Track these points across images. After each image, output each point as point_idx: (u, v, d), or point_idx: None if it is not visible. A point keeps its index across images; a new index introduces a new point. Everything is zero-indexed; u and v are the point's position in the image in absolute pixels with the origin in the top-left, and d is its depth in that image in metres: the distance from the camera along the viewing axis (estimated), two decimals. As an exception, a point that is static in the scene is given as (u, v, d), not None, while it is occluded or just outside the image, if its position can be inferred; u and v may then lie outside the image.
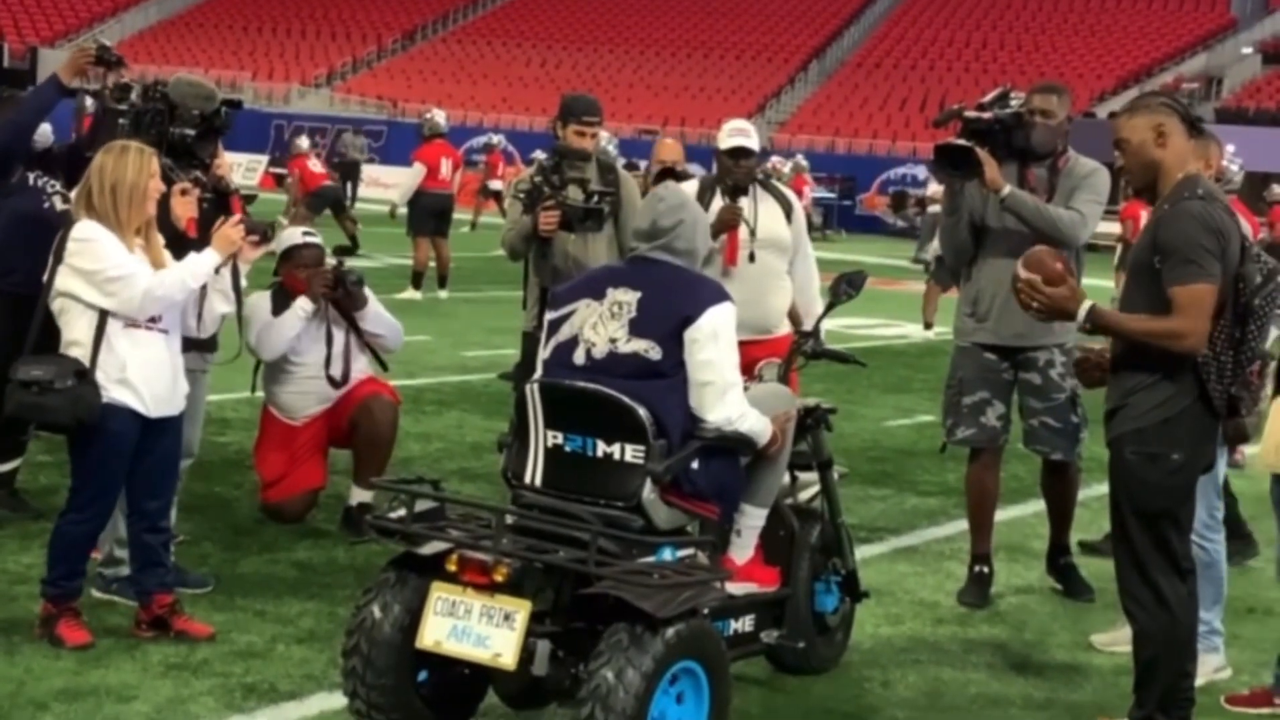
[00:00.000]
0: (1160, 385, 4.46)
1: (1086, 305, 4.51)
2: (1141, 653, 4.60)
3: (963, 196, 6.33)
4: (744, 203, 6.65)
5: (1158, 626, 4.52)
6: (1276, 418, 4.92)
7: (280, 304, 6.72)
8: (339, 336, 6.83)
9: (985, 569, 6.50)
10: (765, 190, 6.77)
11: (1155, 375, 4.46)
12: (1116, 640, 5.57)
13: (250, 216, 5.43)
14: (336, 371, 6.80)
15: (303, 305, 6.70)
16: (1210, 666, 5.46)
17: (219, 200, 5.61)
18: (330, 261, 6.88)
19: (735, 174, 6.64)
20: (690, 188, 6.68)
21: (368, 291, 6.93)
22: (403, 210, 16.80)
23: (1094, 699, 5.26)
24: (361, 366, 6.93)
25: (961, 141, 6.18)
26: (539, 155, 7.66)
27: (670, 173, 7.84)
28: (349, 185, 30.52)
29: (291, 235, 6.95)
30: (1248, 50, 44.62)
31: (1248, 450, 5.25)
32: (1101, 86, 42.13)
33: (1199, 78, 43.49)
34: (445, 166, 16.53)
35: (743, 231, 6.59)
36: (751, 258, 6.58)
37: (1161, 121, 4.54)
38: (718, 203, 6.63)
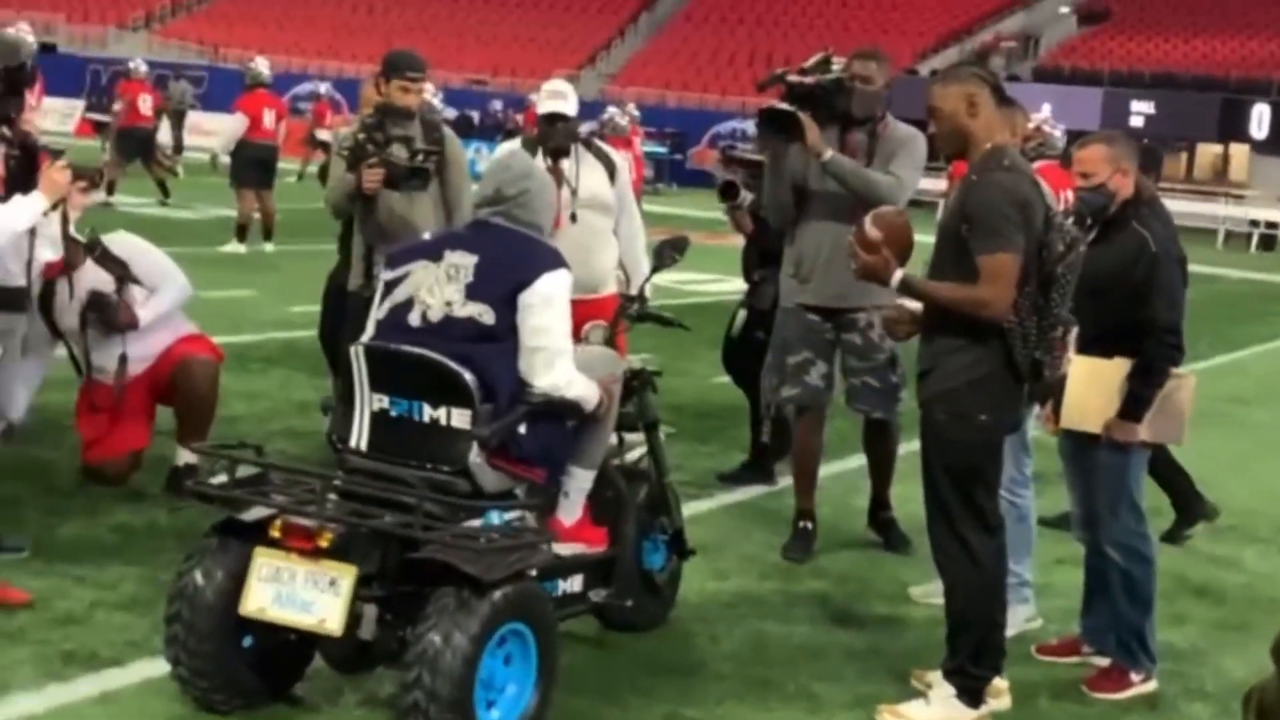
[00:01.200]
0: (968, 349, 4.61)
1: (898, 274, 4.68)
2: (953, 605, 4.76)
3: (785, 159, 6.43)
4: (566, 164, 6.66)
5: (967, 579, 4.68)
6: (1075, 378, 5.12)
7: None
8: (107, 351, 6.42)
9: (809, 524, 6.65)
10: (588, 150, 6.79)
11: (963, 339, 4.61)
12: (932, 592, 5.74)
13: (72, 162, 5.28)
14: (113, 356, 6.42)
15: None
16: (1021, 617, 5.67)
17: (26, 157, 5.44)
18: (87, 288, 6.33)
19: (554, 137, 6.65)
20: (511, 148, 6.69)
21: (139, 254, 6.48)
22: (225, 159, 16.45)
23: (911, 649, 5.43)
24: (176, 325, 6.68)
25: (784, 106, 6.26)
26: (364, 110, 7.53)
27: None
28: (176, 133, 29.71)
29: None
30: (1064, 10, 45.78)
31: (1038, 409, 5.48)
32: (923, 44, 42.88)
33: (1017, 36, 44.54)
34: (269, 117, 16.22)
35: (564, 192, 6.61)
36: (574, 218, 6.60)
37: (973, 92, 4.67)
38: (536, 163, 6.61)
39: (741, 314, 7.89)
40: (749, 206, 7.60)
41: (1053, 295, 4.59)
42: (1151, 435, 5.23)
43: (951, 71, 4.85)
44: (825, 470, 7.02)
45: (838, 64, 6.44)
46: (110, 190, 19.97)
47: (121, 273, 6.39)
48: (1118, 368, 5.13)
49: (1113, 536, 5.22)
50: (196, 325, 6.86)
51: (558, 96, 6.65)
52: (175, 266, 6.68)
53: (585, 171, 6.71)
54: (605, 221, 6.77)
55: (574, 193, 6.64)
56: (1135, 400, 5.12)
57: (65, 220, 5.27)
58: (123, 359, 6.38)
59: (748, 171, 7.69)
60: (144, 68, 22.37)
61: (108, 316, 6.35)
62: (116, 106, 21.76)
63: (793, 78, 6.37)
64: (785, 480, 7.36)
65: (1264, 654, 5.61)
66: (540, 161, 6.60)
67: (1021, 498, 5.69)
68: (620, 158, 7.04)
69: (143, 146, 20.72)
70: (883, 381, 6.51)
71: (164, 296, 6.54)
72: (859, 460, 7.34)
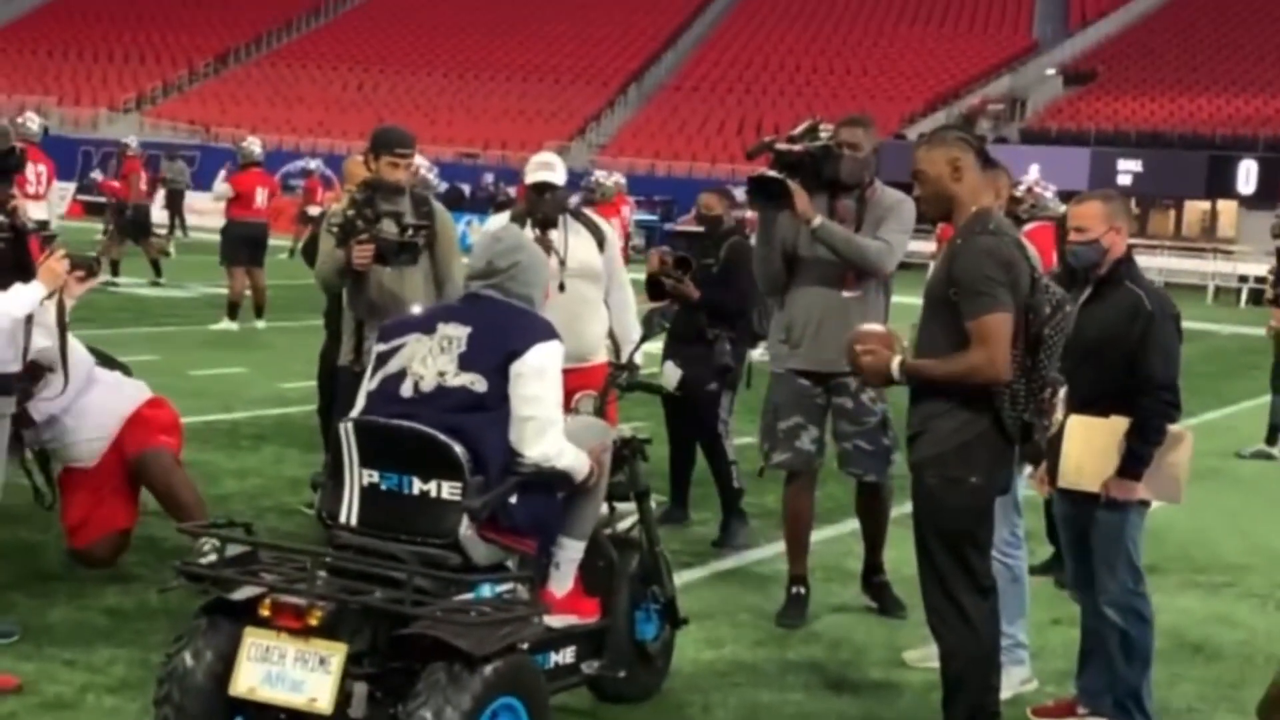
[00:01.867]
0: (956, 411, 4.62)
1: (896, 362, 4.71)
2: (948, 669, 4.74)
3: (775, 226, 6.47)
4: (554, 234, 6.70)
5: (962, 643, 4.66)
6: (1072, 438, 5.13)
7: None
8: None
9: (802, 589, 6.63)
10: (577, 220, 6.84)
11: (952, 402, 4.62)
12: (928, 656, 5.71)
13: (70, 252, 5.32)
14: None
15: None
16: (1016, 679, 5.65)
17: (15, 239, 5.48)
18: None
19: (542, 207, 6.69)
20: (501, 221, 6.74)
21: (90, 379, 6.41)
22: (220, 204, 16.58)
23: (907, 714, 5.41)
24: (119, 399, 6.50)
25: (773, 173, 6.31)
26: (349, 186, 7.59)
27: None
28: (174, 214, 29.81)
29: None
30: (1050, 72, 46.24)
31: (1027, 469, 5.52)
32: (911, 109, 43.24)
33: (1003, 99, 44.94)
34: (260, 195, 16.30)
35: (552, 262, 6.65)
36: (562, 287, 6.63)
37: (957, 156, 4.71)
38: (527, 235, 6.66)
39: (671, 368, 7.86)
40: (689, 275, 7.84)
41: (1040, 357, 4.61)
42: (1150, 493, 5.22)
43: (936, 135, 4.89)
44: (818, 535, 7.01)
45: (825, 131, 6.50)
46: (115, 270, 20.03)
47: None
48: (1115, 426, 5.14)
49: (1111, 597, 5.19)
50: (145, 389, 6.68)
51: (545, 167, 6.71)
52: (74, 344, 6.22)
53: (574, 241, 6.75)
54: (595, 291, 6.79)
55: (562, 262, 6.68)
56: (1134, 458, 5.12)
57: (61, 308, 5.30)
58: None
59: (688, 242, 7.91)
60: (135, 142, 22.58)
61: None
62: (114, 182, 21.65)
63: (781, 145, 6.42)
64: (776, 546, 7.35)
65: (1260, 712, 5.57)
66: (529, 232, 6.64)
67: (1014, 558, 5.68)
68: (609, 227, 7.08)
69: (143, 224, 20.77)
70: (874, 444, 6.51)
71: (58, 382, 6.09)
72: (851, 524, 7.33)
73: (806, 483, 6.66)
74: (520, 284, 4.67)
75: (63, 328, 5.36)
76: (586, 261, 6.75)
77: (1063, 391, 4.69)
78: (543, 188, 6.66)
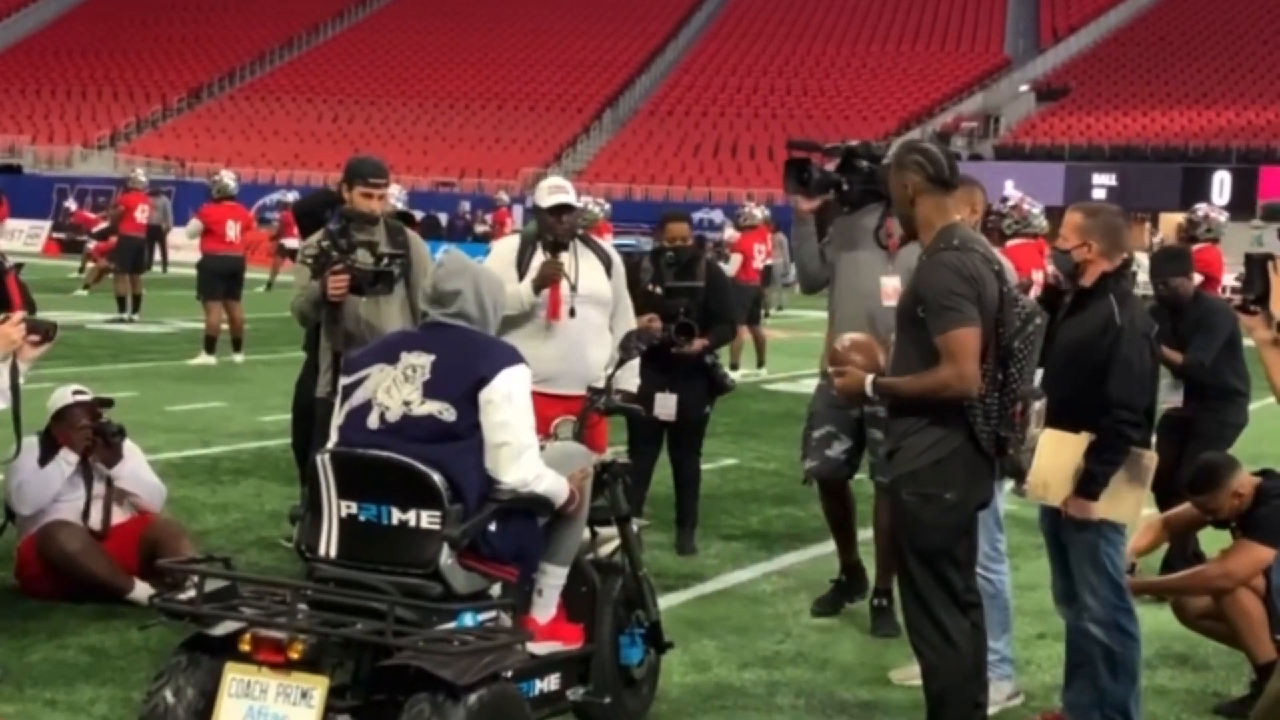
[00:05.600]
0: (931, 428, 4.61)
1: (869, 380, 4.72)
2: (932, 686, 4.72)
3: (808, 223, 6.55)
4: (565, 258, 6.69)
5: (944, 660, 4.64)
6: (1042, 451, 5.09)
7: (47, 453, 6.66)
8: (99, 484, 6.76)
9: (843, 578, 6.91)
10: (586, 246, 6.83)
11: (926, 418, 4.61)
12: (914, 675, 5.68)
13: (26, 317, 5.32)
14: (95, 520, 6.70)
15: (66, 458, 6.66)
16: (1003, 694, 5.63)
17: (-9, 279, 5.45)
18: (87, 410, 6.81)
19: (557, 230, 6.68)
20: (512, 243, 6.74)
21: (132, 449, 6.87)
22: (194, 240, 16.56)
23: (894, 734, 5.38)
24: (124, 514, 6.85)
25: (799, 154, 6.44)
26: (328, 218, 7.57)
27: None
28: (159, 251, 29.68)
29: (62, 395, 6.81)
30: (1023, 89, 46.49)
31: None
32: (885, 128, 43.40)
33: (977, 116, 45.16)
34: (233, 228, 16.24)
35: (564, 286, 6.63)
36: (572, 312, 6.62)
37: (906, 182, 4.73)
38: (539, 258, 6.67)
39: (664, 398, 7.93)
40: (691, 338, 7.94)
41: (1011, 370, 4.60)
42: (1107, 513, 5.10)
43: (896, 157, 4.90)
44: (803, 554, 7.03)
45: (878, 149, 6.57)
46: (136, 306, 19.88)
47: (111, 461, 6.77)
48: (1082, 442, 5.07)
49: (1094, 614, 5.15)
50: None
51: (560, 190, 6.73)
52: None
53: (584, 266, 6.74)
54: (602, 317, 6.79)
55: (573, 288, 6.67)
56: (1089, 478, 5.04)
57: (15, 371, 5.30)
58: None
59: (689, 296, 7.95)
60: (144, 178, 22.50)
61: (108, 440, 6.72)
62: (113, 211, 21.43)
63: (856, 144, 6.49)
64: (760, 567, 7.33)
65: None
66: (540, 256, 6.63)
67: (996, 574, 5.67)
68: (616, 255, 7.04)
69: (135, 257, 20.61)
70: None
71: (146, 481, 6.92)
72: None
73: (835, 489, 6.84)
74: (472, 306, 4.64)
75: (16, 391, 5.34)
76: (596, 288, 6.74)
77: (1039, 405, 4.66)
78: (561, 209, 6.66)
